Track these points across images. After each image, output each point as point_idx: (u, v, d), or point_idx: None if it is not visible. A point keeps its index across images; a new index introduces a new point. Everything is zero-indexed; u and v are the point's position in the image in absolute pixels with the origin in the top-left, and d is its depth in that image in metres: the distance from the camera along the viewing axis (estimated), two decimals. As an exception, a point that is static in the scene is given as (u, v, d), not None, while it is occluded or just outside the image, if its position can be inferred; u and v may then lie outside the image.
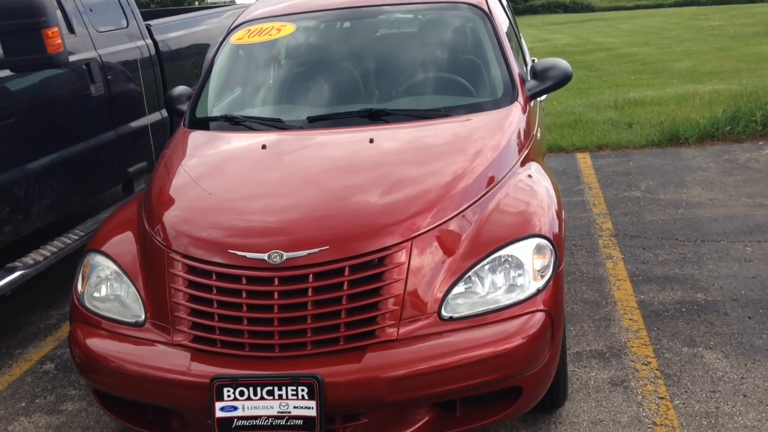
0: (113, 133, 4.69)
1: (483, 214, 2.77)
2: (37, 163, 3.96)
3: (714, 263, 4.31)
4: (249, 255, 2.51)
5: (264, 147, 3.13)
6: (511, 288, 2.60)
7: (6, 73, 3.74)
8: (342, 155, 3.05)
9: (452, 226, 2.67)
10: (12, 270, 3.79)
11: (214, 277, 2.54)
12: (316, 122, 3.32)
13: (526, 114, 3.45)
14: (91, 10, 4.77)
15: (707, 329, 3.60)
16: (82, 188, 4.43)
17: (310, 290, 2.46)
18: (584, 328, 3.70)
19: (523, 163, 3.18)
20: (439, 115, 3.30)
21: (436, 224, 2.64)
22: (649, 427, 2.91)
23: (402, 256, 2.53)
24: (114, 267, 2.78)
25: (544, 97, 4.28)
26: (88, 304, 2.77)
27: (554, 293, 2.65)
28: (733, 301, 3.84)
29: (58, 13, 4.43)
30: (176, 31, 5.76)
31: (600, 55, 14.65)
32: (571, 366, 3.36)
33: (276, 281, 2.47)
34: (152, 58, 5.29)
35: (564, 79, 3.64)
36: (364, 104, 3.44)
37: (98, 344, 2.65)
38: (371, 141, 3.07)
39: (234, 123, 3.46)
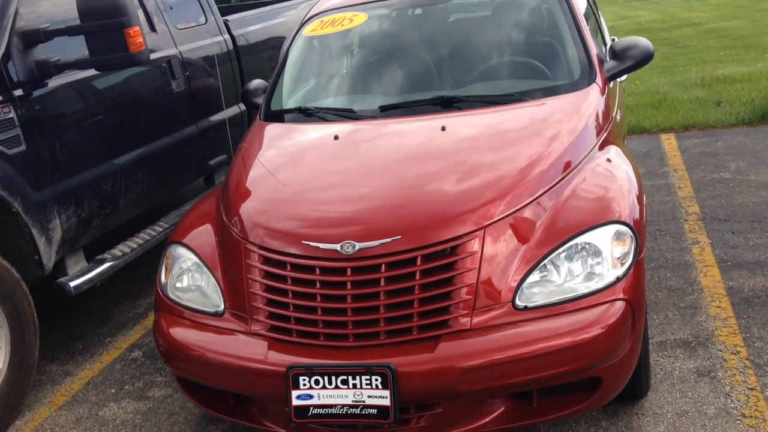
0: (194, 128, 4.81)
1: (559, 199, 2.71)
2: (124, 159, 4.10)
3: (809, 247, 4.11)
4: (322, 246, 2.54)
5: (336, 137, 3.15)
6: (589, 276, 2.54)
7: (92, 72, 3.89)
8: (414, 144, 3.03)
9: (527, 213, 2.63)
10: (101, 262, 3.94)
11: (288, 267, 2.57)
12: (388, 111, 3.32)
13: (604, 96, 3.35)
14: (171, 8, 4.89)
15: (801, 317, 3.43)
16: (166, 182, 4.57)
17: (382, 280, 2.47)
18: (669, 316, 3.58)
19: (601, 147, 3.10)
20: (513, 100, 3.25)
21: (509, 211, 2.60)
22: (738, 419, 2.80)
23: (475, 245, 2.51)
24: (195, 258, 2.86)
25: (624, 77, 4.15)
26: (171, 295, 2.85)
27: (635, 281, 2.57)
28: (830, 287, 3.65)
29: (140, 12, 4.56)
30: (253, 25, 5.85)
31: (686, 31, 14.08)
32: (655, 355, 3.26)
33: (349, 271, 2.49)
34: (230, 53, 5.39)
35: (645, 59, 3.52)
36: (436, 91, 3.41)
37: (181, 333, 2.73)
38: (443, 129, 3.04)
39: (308, 114, 3.49)
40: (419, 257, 2.48)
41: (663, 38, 13.29)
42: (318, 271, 2.52)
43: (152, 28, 4.62)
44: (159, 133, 4.45)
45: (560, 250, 2.56)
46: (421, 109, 3.29)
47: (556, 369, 2.41)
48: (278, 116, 3.61)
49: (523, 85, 3.38)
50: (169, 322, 2.79)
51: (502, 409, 2.54)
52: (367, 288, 2.47)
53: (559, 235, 2.59)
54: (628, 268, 2.57)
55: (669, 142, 6.62)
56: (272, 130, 3.48)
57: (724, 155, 5.97)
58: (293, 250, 2.58)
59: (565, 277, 2.54)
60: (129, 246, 4.10)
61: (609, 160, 3.03)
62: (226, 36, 5.41)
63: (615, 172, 2.94)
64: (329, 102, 3.61)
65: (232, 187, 3.06)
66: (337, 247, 2.51)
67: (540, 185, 2.72)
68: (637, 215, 2.74)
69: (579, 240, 2.58)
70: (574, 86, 3.32)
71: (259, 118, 3.66)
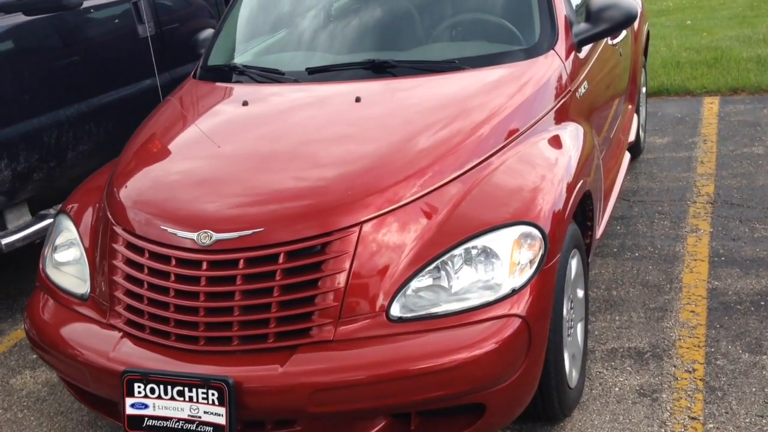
0: (166, 76, 4.54)
1: (467, 189, 2.34)
2: (72, 109, 3.88)
3: (822, 245, 3.57)
4: (180, 233, 2.26)
5: (245, 104, 2.82)
6: (481, 286, 2.19)
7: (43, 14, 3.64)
8: (319, 118, 2.68)
9: (419, 206, 2.27)
10: (43, 217, 3.78)
11: (146, 255, 2.31)
12: (316, 74, 2.96)
13: (566, 65, 2.91)
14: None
15: (782, 332, 2.97)
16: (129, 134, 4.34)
17: (239, 278, 2.17)
18: (632, 318, 3.16)
19: (554, 123, 2.70)
20: (452, 68, 2.84)
21: (397, 204, 2.25)
22: (665, 456, 2.42)
23: (348, 243, 2.18)
24: (75, 233, 2.62)
25: (620, 37, 3.66)
26: (47, 270, 2.65)
27: (537, 294, 2.20)
28: (830, 297, 3.15)
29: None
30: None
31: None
32: (599, 366, 2.87)
33: (204, 265, 2.20)
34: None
35: (624, 22, 3.03)
36: (375, 53, 3.02)
37: (45, 317, 2.52)
38: (357, 100, 2.68)
39: (239, 73, 3.16)
40: (282, 254, 2.17)
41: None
42: (173, 262, 2.25)
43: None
44: (118, 83, 4.21)
45: (450, 254, 2.21)
46: (351, 74, 2.92)
47: (425, 394, 2.09)
48: (212, 74, 3.29)
49: (470, 50, 2.97)
50: (39, 302, 2.58)
51: (380, 426, 2.23)
52: (222, 285, 2.19)
53: (453, 235, 2.24)
54: (530, 279, 2.20)
55: (711, 107, 5.98)
56: (194, 90, 3.17)
57: (765, 126, 5.33)
58: (152, 236, 2.31)
59: (452, 285, 2.19)
60: (73, 202, 3.91)
61: (552, 141, 2.63)
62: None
63: (552, 156, 2.55)
64: (265, 60, 3.26)
65: (122, 157, 2.79)
66: (194, 236, 2.22)
67: (445, 172, 2.35)
68: (560, 208, 2.35)
69: (475, 243, 2.22)
70: (527, 53, 2.89)
71: (193, 75, 3.35)
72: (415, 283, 2.18)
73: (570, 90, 2.89)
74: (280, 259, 2.16)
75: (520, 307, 2.16)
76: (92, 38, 4.09)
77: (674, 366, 2.83)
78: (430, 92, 2.72)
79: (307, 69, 2.97)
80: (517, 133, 2.55)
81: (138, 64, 4.35)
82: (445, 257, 2.20)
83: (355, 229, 2.19)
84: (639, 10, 3.05)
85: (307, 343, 2.14)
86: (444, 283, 2.20)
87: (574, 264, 2.58)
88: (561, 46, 2.92)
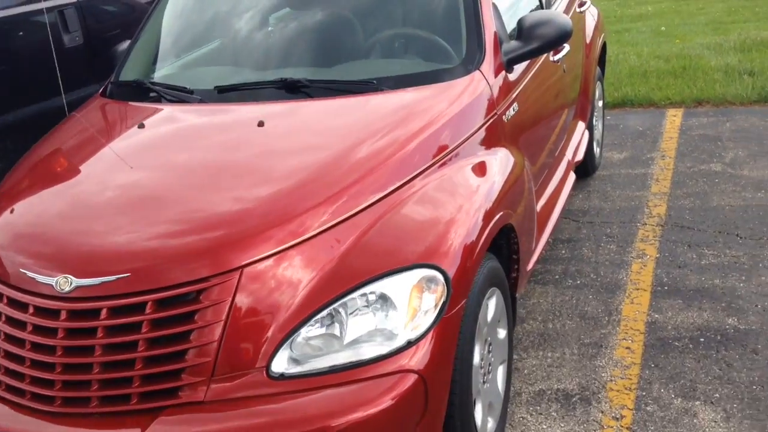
0: (96, 88, 4.30)
1: (367, 227, 2.12)
2: None
3: (770, 275, 3.38)
4: (39, 278, 2.03)
5: (142, 127, 2.59)
6: (377, 336, 1.98)
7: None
8: (213, 146, 2.44)
9: (308, 248, 2.05)
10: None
11: (5, 301, 2.08)
12: (226, 93, 2.73)
13: (494, 85, 2.71)
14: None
15: (720, 373, 2.77)
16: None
17: (100, 330, 1.94)
18: (565, 355, 2.96)
19: (472, 152, 2.51)
20: (370, 89, 2.62)
21: (282, 247, 2.03)
22: None
23: (226, 290, 1.95)
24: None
25: (562, 52, 3.44)
26: None
27: (436, 345, 1.99)
28: (773, 334, 2.96)
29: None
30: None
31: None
32: (523, 410, 2.67)
33: (63, 315, 1.97)
34: None
35: (557, 39, 2.82)
36: (295, 69, 2.80)
37: None
38: (260, 125, 2.45)
39: (147, 90, 2.93)
40: (150, 303, 1.94)
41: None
42: (31, 310, 2.02)
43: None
44: (37, 97, 3.97)
45: (341, 301, 1.99)
46: (264, 94, 2.69)
47: (306, 461, 1.87)
48: (120, 90, 3.05)
49: (391, 69, 2.76)
50: None
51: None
52: (82, 339, 1.96)
53: (350, 277, 2.02)
54: (429, 329, 1.99)
55: (673, 120, 5.80)
56: (94, 110, 2.93)
57: (725, 141, 5.16)
58: (10, 280, 2.09)
59: (341, 337, 1.98)
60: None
61: (471, 171, 2.43)
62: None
63: (469, 186, 2.36)
64: (177, 76, 3.03)
65: (4, 182, 2.56)
66: (53, 281, 1.99)
67: (343, 208, 2.13)
68: (469, 247, 2.14)
69: (374, 287, 2.00)
70: (451, 73, 2.67)
71: (102, 92, 3.10)
72: (304, 332, 1.97)
73: (496, 113, 2.68)
74: (147, 309, 1.94)
75: (416, 360, 1.95)
76: (7, 49, 3.84)
77: (602, 412, 2.63)
78: (343, 116, 2.51)
79: (216, 88, 2.74)
80: (432, 161, 2.34)
81: (62, 77, 4.11)
82: (337, 304, 1.99)
83: (234, 274, 1.96)
84: (572, 28, 2.84)
85: (175, 405, 1.92)
86: (336, 332, 1.98)
87: (492, 304, 2.38)
88: (488, 65, 2.71)
